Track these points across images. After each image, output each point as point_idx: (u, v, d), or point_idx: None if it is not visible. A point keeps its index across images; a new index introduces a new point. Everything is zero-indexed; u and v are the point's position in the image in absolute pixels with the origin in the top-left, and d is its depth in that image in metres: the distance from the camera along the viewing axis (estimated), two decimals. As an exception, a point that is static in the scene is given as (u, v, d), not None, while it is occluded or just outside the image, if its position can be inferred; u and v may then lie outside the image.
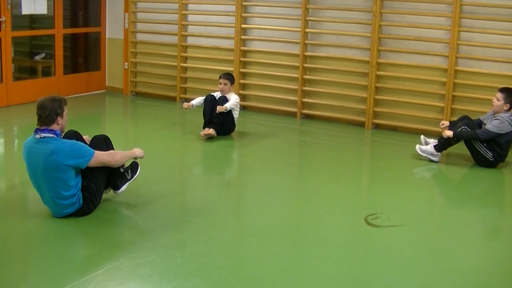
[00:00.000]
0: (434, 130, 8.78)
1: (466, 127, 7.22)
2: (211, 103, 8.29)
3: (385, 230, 5.31)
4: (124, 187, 5.69)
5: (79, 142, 5.21)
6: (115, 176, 5.56)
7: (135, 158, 5.69)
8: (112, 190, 5.66)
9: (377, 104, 9.32)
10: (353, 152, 8.43)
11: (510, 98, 7.18)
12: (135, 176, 5.81)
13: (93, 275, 4.26)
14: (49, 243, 4.91)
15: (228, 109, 8.20)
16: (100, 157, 5.20)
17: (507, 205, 6.38)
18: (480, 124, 7.46)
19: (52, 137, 5.04)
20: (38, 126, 5.08)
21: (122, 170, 5.64)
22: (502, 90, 7.27)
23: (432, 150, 7.43)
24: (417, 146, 7.58)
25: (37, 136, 5.04)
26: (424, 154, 7.49)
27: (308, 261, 4.73)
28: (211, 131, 8.08)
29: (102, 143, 5.60)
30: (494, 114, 7.29)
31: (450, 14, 8.53)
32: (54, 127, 5.06)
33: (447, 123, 7.64)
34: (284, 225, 5.52)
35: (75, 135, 5.51)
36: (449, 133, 7.25)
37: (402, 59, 9.08)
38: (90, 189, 5.26)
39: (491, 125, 7.14)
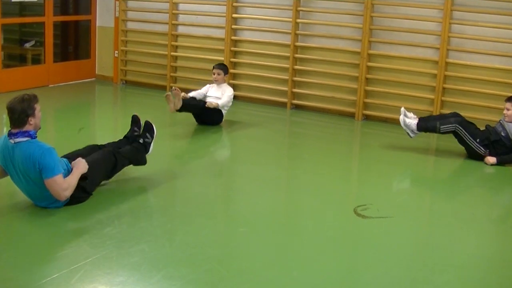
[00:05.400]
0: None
1: (458, 125, 7.13)
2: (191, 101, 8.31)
3: (374, 221, 5.32)
4: (150, 150, 6.01)
5: (54, 153, 5.03)
6: (139, 156, 5.86)
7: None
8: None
9: (367, 95, 9.32)
10: (343, 143, 8.44)
11: None
12: (154, 135, 6.09)
13: (82, 264, 4.24)
14: (37, 231, 4.89)
15: (220, 106, 8.25)
16: (56, 184, 4.96)
17: (498, 198, 6.40)
18: (491, 130, 7.29)
19: (27, 140, 4.96)
20: (11, 129, 4.99)
21: (141, 141, 5.85)
22: (510, 99, 7.17)
23: (414, 127, 7.36)
24: (401, 117, 7.46)
25: (12, 141, 4.97)
26: (404, 127, 7.42)
27: (298, 251, 4.73)
28: (182, 93, 8.01)
29: (106, 164, 5.58)
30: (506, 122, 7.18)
31: (442, 6, 8.53)
32: (27, 128, 4.97)
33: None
34: (274, 215, 5.53)
35: (94, 150, 5.66)
36: (492, 160, 7.08)
37: (393, 50, 9.08)
38: (86, 180, 5.26)
39: None
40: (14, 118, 4.94)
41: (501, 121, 7.27)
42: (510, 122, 7.13)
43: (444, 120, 7.29)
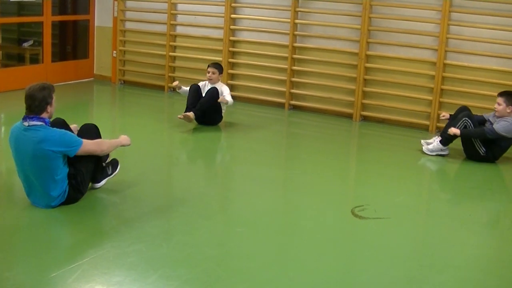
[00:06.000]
0: (421, 123, 8.82)
1: (467, 119, 7.18)
2: (195, 92, 8.29)
3: (371, 222, 5.33)
4: (103, 182, 5.72)
5: (67, 131, 5.19)
6: (97, 169, 5.56)
7: (123, 146, 5.69)
8: (90, 183, 5.64)
9: (365, 96, 9.33)
10: (340, 144, 8.44)
11: (511, 100, 7.16)
12: (115, 173, 5.85)
13: (79, 263, 4.24)
14: (35, 231, 4.88)
15: (229, 104, 8.30)
16: (88, 146, 5.18)
17: (495, 199, 6.40)
18: (483, 121, 7.40)
19: (41, 125, 5.00)
20: (27, 114, 5.03)
21: (104, 164, 5.65)
22: (501, 94, 7.22)
23: (440, 146, 7.40)
24: (424, 148, 7.53)
25: (26, 123, 5.00)
26: (433, 153, 7.45)
27: (295, 252, 4.74)
28: (190, 113, 8.04)
29: (92, 131, 5.64)
30: (496, 117, 7.23)
31: (440, 8, 8.54)
32: (44, 115, 5.03)
33: (447, 115, 7.61)
34: (271, 216, 5.52)
35: (61, 124, 5.51)
36: (455, 130, 7.17)
37: (391, 51, 9.09)
38: (78, 178, 5.24)
39: (500, 126, 7.07)
40: (34, 105, 4.98)
41: (490, 119, 7.29)
42: (500, 117, 7.15)
43: (454, 120, 7.32)
